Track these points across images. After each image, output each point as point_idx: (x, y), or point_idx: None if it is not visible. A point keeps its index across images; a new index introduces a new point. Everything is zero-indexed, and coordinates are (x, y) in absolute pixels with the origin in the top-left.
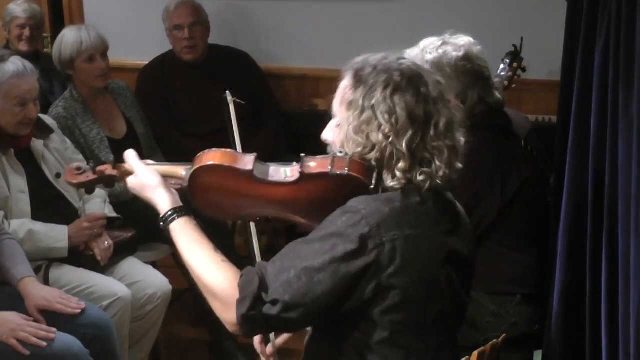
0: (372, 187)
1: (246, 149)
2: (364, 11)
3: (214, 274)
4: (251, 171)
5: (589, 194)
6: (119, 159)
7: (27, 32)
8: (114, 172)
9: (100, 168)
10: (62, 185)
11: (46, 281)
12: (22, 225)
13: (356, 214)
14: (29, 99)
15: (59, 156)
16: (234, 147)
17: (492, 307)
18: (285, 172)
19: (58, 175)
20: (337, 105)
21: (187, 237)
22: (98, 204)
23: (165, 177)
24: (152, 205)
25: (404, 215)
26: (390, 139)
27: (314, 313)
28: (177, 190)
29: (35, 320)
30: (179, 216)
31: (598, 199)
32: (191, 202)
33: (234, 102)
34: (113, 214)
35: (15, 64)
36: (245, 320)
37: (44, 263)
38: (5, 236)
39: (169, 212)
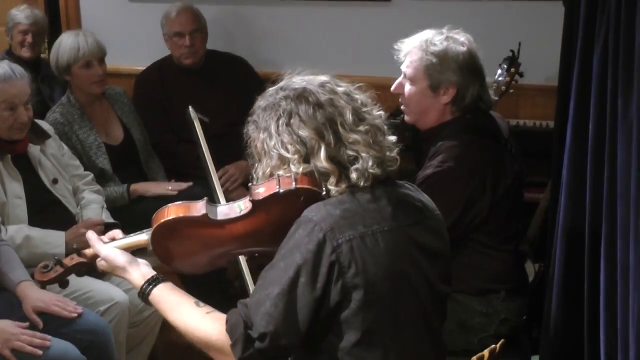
0: (324, 193)
1: (241, 156)
2: (360, 15)
3: (202, 329)
4: (205, 215)
5: (587, 198)
6: (115, 165)
7: (29, 38)
8: (82, 259)
9: (66, 260)
10: (59, 191)
11: (43, 286)
12: (19, 230)
13: (309, 223)
14: (17, 103)
15: (56, 162)
16: (205, 164)
17: (480, 307)
18: (238, 207)
19: (55, 181)
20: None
21: (166, 304)
22: (95, 210)
23: (131, 249)
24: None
25: (357, 214)
26: (310, 162)
27: (301, 331)
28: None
29: (32, 322)
30: (153, 287)
31: (596, 203)
32: (167, 266)
33: (199, 118)
34: (110, 220)
35: (2, 67)
36: None
37: None
38: (1, 242)
39: (143, 287)
